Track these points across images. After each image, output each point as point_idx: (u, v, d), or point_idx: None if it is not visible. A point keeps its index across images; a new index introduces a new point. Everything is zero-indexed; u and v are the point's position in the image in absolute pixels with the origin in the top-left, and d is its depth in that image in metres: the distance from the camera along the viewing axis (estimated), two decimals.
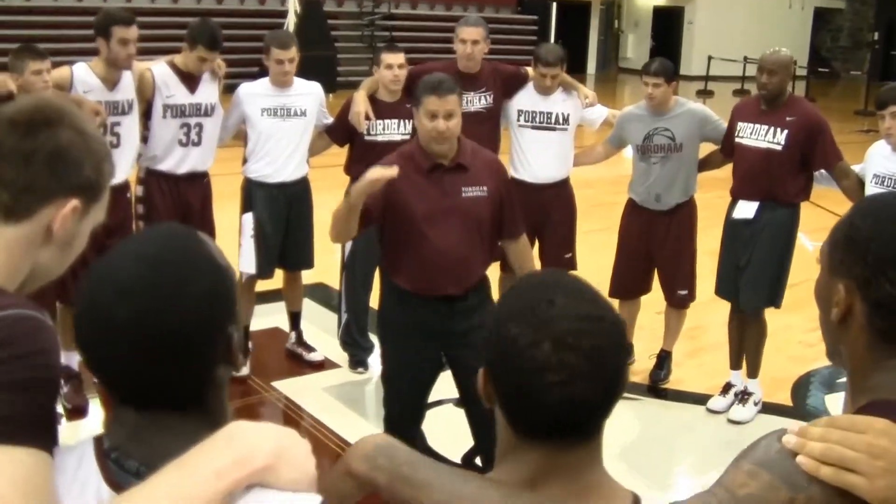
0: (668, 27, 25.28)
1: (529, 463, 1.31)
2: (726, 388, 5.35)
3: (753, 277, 5.07)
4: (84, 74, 4.93)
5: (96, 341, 1.19)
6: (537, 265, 5.72)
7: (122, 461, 1.20)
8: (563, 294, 1.29)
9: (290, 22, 15.05)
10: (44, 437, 1.19)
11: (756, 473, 1.20)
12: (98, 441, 1.24)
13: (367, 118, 5.12)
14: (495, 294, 4.26)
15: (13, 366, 1.19)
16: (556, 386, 1.23)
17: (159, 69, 5.16)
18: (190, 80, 5.18)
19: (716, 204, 5.68)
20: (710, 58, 20.54)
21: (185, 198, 5.28)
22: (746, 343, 5.27)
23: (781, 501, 1.17)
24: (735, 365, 5.37)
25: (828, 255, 1.39)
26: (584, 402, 1.26)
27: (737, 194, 5.13)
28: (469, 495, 1.21)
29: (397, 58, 5.20)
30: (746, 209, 5.03)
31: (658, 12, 26.36)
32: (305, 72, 5.44)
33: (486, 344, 1.34)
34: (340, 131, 5.34)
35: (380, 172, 3.53)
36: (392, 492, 1.27)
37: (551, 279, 1.33)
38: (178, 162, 5.21)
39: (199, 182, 5.34)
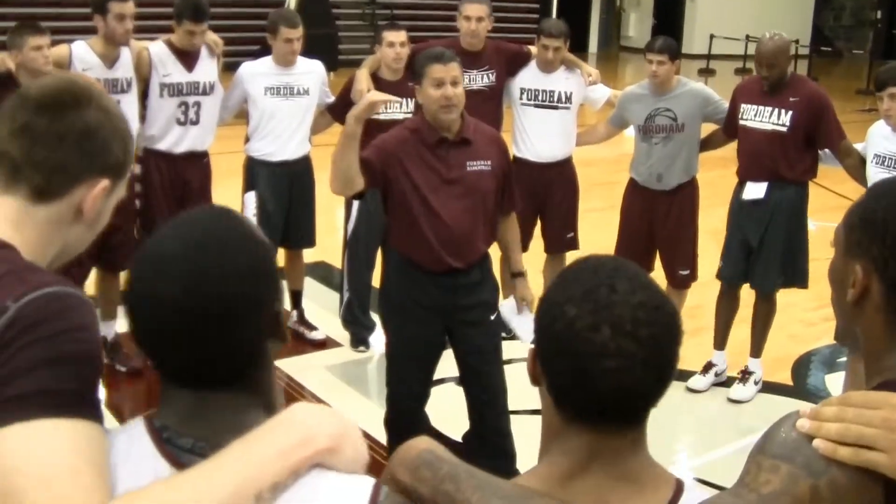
0: (670, 5, 25.11)
1: (575, 449, 1.31)
2: (707, 367, 5.38)
3: (767, 258, 5.07)
4: (83, 52, 4.93)
5: (146, 320, 1.23)
6: (539, 244, 5.74)
7: (174, 439, 1.23)
8: (623, 280, 1.28)
9: (292, 0, 14.98)
10: (94, 410, 1.22)
11: (776, 467, 1.19)
12: (148, 420, 1.26)
13: None
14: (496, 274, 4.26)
15: (58, 340, 1.21)
16: (612, 372, 1.23)
17: (156, 48, 5.15)
18: (187, 58, 5.16)
19: (717, 183, 5.68)
20: (711, 36, 20.42)
21: (184, 177, 5.28)
22: (754, 322, 5.28)
23: (805, 491, 1.16)
24: (719, 345, 5.38)
25: (843, 237, 1.39)
26: (638, 390, 1.26)
27: (744, 176, 5.11)
28: None
29: (399, 36, 5.19)
30: (756, 190, 5.02)
31: None
32: (306, 50, 5.44)
33: (537, 324, 1.33)
34: (342, 109, 5.30)
35: (376, 95, 3.62)
36: None
37: (610, 264, 1.32)
38: (176, 141, 5.20)
39: (198, 162, 5.33)
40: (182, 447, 1.22)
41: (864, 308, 1.35)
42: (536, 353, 1.34)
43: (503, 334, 4.21)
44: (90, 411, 1.20)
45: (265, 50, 5.38)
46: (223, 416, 1.23)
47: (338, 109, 5.39)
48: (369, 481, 1.23)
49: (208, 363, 1.23)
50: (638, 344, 1.24)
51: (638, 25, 25.77)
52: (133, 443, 1.25)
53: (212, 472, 1.14)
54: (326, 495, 1.19)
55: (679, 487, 1.34)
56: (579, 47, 21.42)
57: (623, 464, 1.32)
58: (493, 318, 4.01)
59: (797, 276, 5.13)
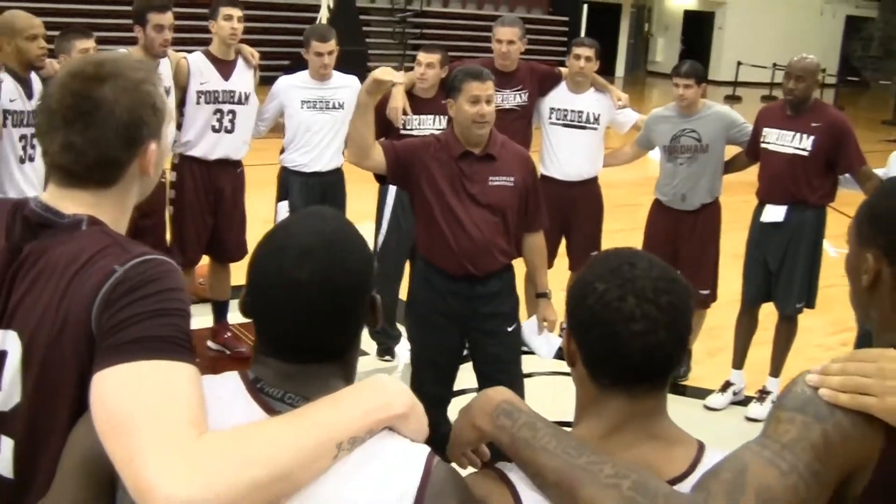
0: (698, 31, 25.25)
1: (610, 413, 1.47)
2: (725, 385, 5.48)
3: (789, 280, 5.17)
4: None
5: (274, 300, 1.40)
6: (563, 262, 5.84)
7: (266, 389, 1.40)
8: (642, 259, 1.47)
9: (323, 17, 15.18)
10: (191, 356, 1.38)
11: (792, 419, 1.35)
12: (242, 373, 1.44)
13: (405, 113, 5.23)
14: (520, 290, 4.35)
15: (159, 297, 1.41)
16: (639, 334, 1.40)
17: (194, 56, 5.32)
18: (224, 67, 5.32)
19: (739, 208, 5.75)
20: (739, 63, 20.54)
21: (216, 184, 5.40)
22: (775, 342, 5.37)
23: (818, 435, 1.32)
24: (738, 364, 5.48)
25: (855, 230, 1.56)
26: (662, 350, 1.42)
27: (764, 198, 5.22)
28: (583, 465, 1.34)
29: (427, 57, 5.29)
30: (775, 213, 5.12)
31: (688, 16, 26.33)
32: (336, 66, 5.56)
33: (570, 304, 1.49)
34: (377, 124, 5.44)
35: (381, 74, 3.64)
36: (513, 451, 1.43)
37: (628, 251, 1.51)
38: (210, 147, 5.33)
39: (231, 170, 5.45)
40: (273, 396, 1.39)
41: (878, 291, 1.51)
42: (570, 331, 1.50)
43: (523, 349, 4.29)
44: (188, 356, 1.37)
45: (295, 65, 5.51)
46: (314, 382, 1.41)
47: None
48: (426, 449, 1.41)
49: (323, 339, 1.41)
50: (659, 309, 1.41)
51: (666, 50, 25.90)
52: (226, 388, 1.41)
53: (303, 419, 1.31)
54: (391, 454, 1.37)
55: (701, 447, 1.50)
56: (607, 71, 21.55)
57: (653, 424, 1.47)
58: (511, 329, 4.10)
59: (808, 297, 5.25)
